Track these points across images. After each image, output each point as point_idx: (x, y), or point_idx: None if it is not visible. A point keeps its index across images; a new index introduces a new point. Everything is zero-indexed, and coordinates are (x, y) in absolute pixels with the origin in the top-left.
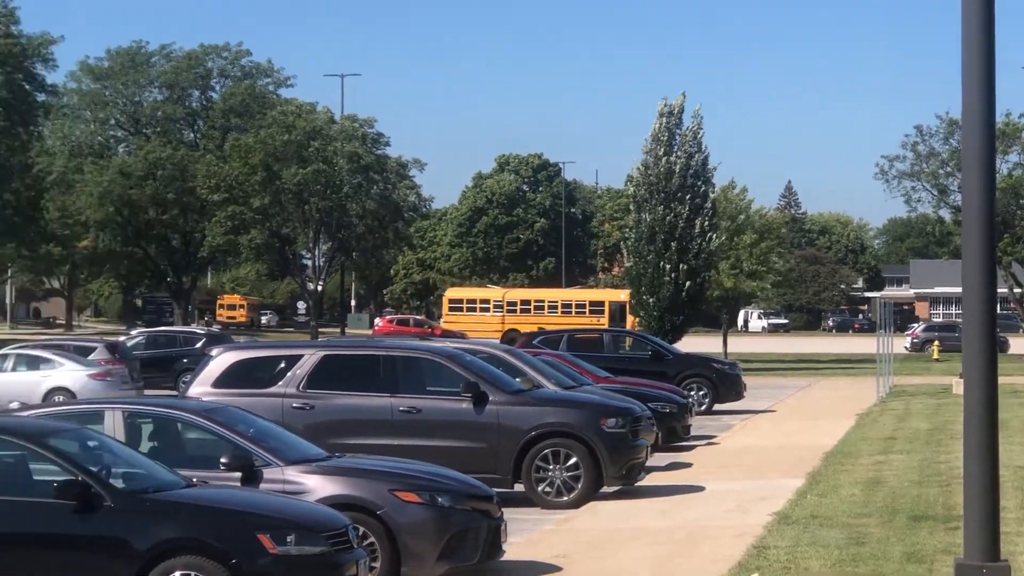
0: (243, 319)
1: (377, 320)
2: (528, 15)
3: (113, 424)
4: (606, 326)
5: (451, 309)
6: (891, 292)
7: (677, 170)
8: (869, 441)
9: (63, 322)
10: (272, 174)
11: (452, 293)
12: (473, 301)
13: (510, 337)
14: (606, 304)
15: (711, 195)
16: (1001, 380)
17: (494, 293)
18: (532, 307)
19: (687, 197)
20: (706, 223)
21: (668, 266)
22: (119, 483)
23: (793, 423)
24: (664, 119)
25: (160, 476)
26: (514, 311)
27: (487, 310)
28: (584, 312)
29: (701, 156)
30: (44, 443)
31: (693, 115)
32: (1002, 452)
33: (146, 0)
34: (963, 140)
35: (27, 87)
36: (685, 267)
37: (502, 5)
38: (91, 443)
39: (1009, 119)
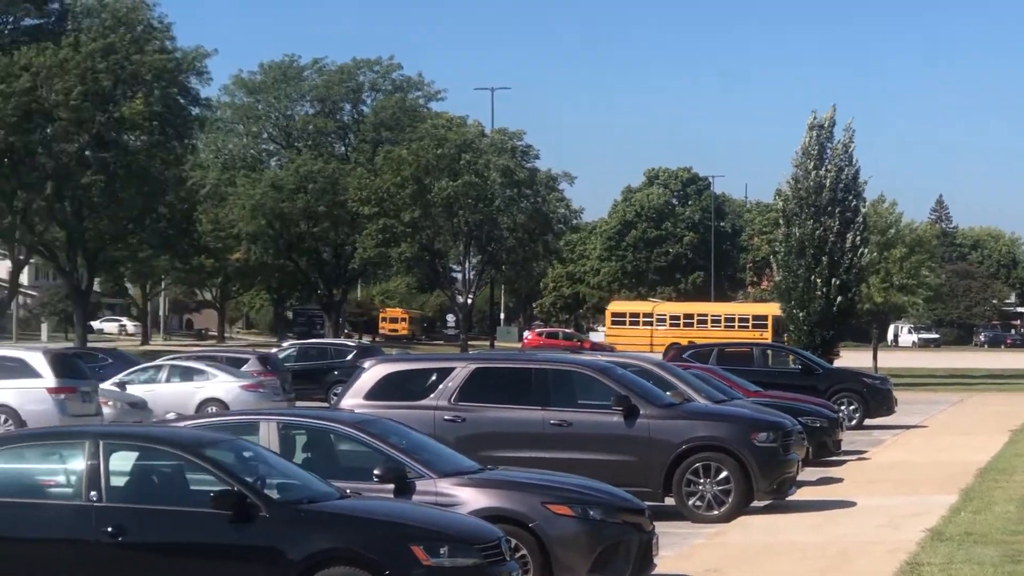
0: (405, 332)
1: (526, 333)
2: (676, 28)
3: (268, 435)
4: (770, 340)
5: (614, 322)
6: None
7: (827, 184)
8: None
9: (215, 334)
10: (423, 187)
11: (615, 306)
12: (636, 314)
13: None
14: (769, 318)
15: (862, 209)
16: None
17: (657, 306)
18: (695, 320)
19: (837, 211)
20: (857, 237)
21: (819, 280)
22: (274, 493)
23: (945, 438)
24: (814, 132)
25: (314, 487)
26: (677, 324)
27: (650, 323)
28: (747, 325)
29: (852, 170)
30: (201, 453)
31: (844, 128)
32: None
33: (299, 14)
34: None
35: (182, 101)
36: (836, 281)
37: (650, 19)
38: (247, 454)
39: None
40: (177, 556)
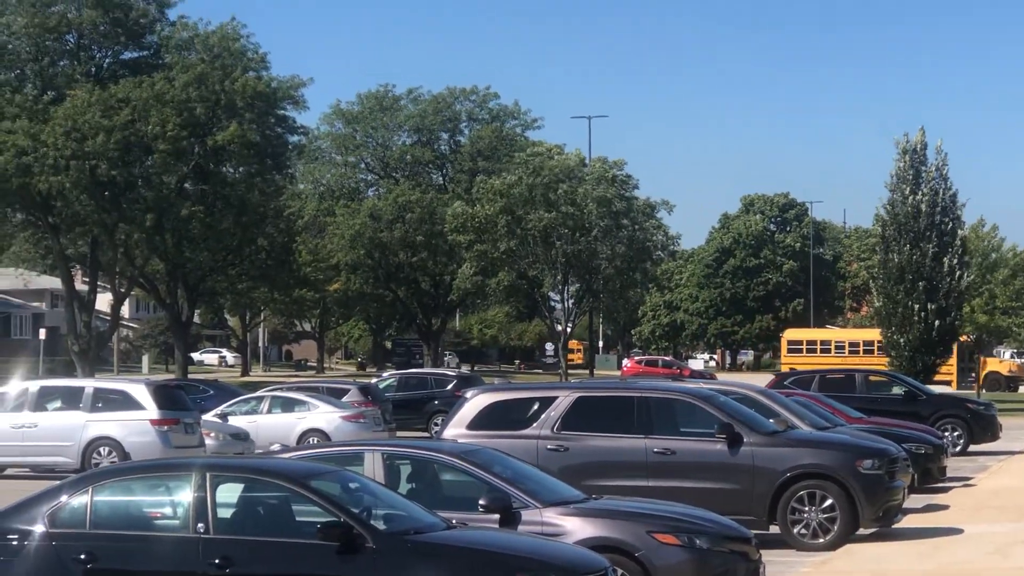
0: (579, 360)
1: (625, 361)
2: (771, 53)
3: (373, 466)
4: (954, 366)
5: (790, 351)
6: None
7: (923, 208)
8: None
9: (314, 364)
10: (517, 217)
11: (791, 334)
12: (813, 342)
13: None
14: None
15: (960, 232)
16: None
17: (834, 334)
18: (875, 348)
19: (935, 235)
20: (955, 261)
21: (917, 306)
22: (380, 524)
23: None
24: (907, 156)
25: (420, 517)
26: (856, 351)
27: (828, 351)
28: None
29: (948, 193)
30: (307, 485)
31: (936, 150)
32: None
33: (394, 42)
34: None
35: (279, 130)
36: (934, 306)
37: (743, 46)
38: (352, 484)
39: None
40: None
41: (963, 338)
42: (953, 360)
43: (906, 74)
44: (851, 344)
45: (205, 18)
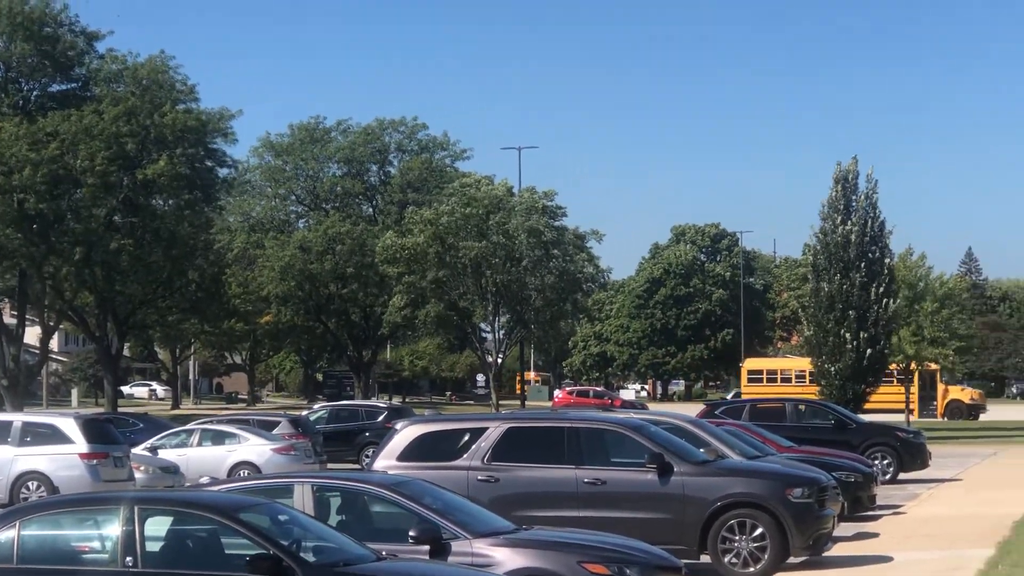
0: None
1: (557, 392)
2: (701, 82)
3: (302, 498)
4: (915, 394)
5: (749, 380)
6: None
7: (853, 238)
8: None
9: (245, 397)
10: (447, 247)
11: (751, 364)
12: (773, 371)
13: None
14: (915, 372)
15: (887, 261)
16: None
17: (792, 363)
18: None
19: (863, 264)
20: (882, 289)
21: (848, 334)
22: (310, 556)
23: (981, 492)
24: (839, 185)
25: (350, 549)
26: (803, 381)
27: (788, 380)
28: (891, 380)
29: (877, 222)
30: (236, 517)
31: (867, 178)
32: None
33: (323, 75)
34: None
35: (208, 163)
36: (864, 335)
37: (672, 75)
38: (282, 517)
39: None
40: None
41: (931, 367)
42: (914, 389)
43: (837, 104)
44: (811, 373)
45: (134, 50)
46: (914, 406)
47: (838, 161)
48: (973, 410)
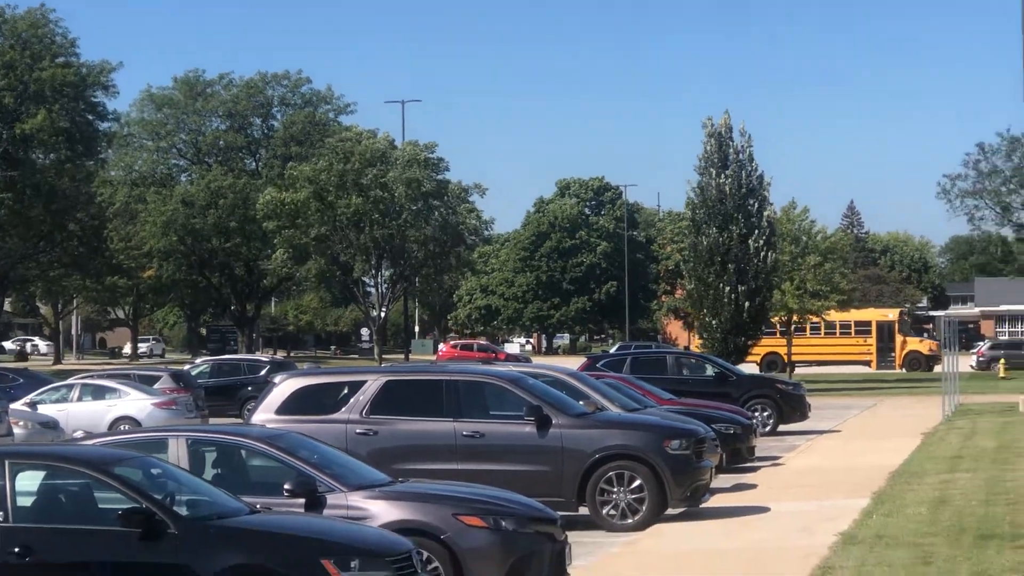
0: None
1: (441, 346)
2: (586, 40)
3: (177, 452)
4: (873, 346)
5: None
6: (956, 311)
7: (728, 191)
8: (935, 460)
9: (128, 352)
10: (327, 203)
11: None
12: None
13: (769, 360)
14: (873, 324)
15: (765, 213)
16: None
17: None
18: (791, 328)
19: (741, 217)
20: (761, 242)
21: (727, 287)
22: (183, 510)
23: (858, 443)
24: (713, 140)
25: (224, 503)
26: (772, 333)
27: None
28: (849, 332)
29: (756, 174)
30: (108, 471)
31: (740, 132)
32: None
33: (205, 27)
34: None
35: (89, 116)
36: (744, 288)
37: (561, 31)
38: (155, 471)
39: None
40: (86, 575)
41: (888, 317)
42: (872, 340)
43: (720, 59)
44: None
45: (12, 3)
46: (872, 357)
47: (709, 116)
48: (931, 361)
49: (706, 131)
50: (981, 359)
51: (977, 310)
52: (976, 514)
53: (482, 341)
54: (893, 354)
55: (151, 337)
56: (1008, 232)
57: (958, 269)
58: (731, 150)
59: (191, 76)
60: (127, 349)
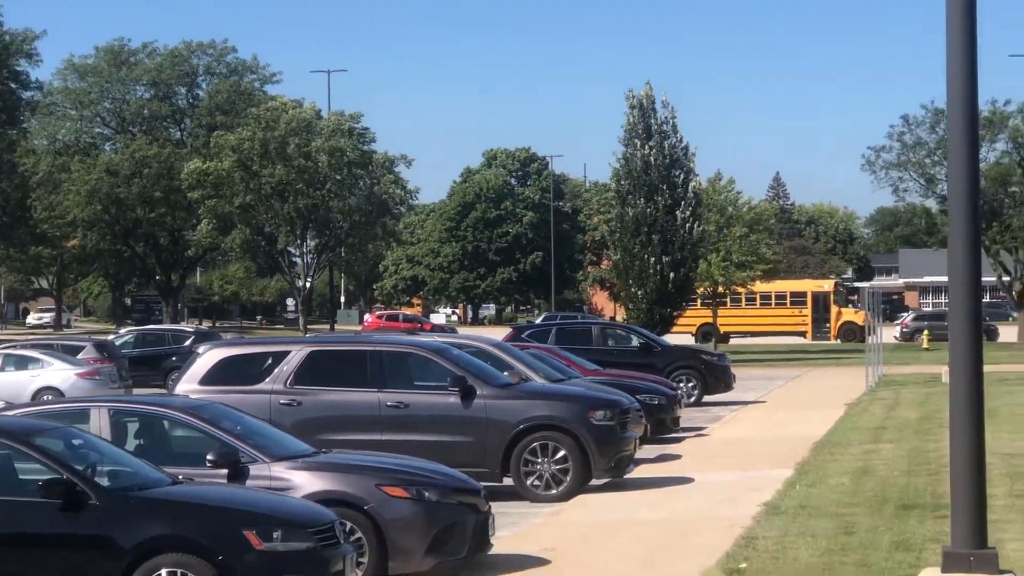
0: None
1: (367, 316)
2: (513, 11)
3: (99, 422)
4: (809, 317)
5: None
6: (881, 282)
7: (653, 161)
8: (858, 431)
9: (51, 322)
10: (251, 173)
11: None
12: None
13: (704, 331)
14: (808, 295)
15: (691, 184)
16: (989, 368)
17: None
18: (728, 300)
19: (666, 188)
20: (688, 213)
21: (652, 259)
22: (104, 481)
23: (782, 414)
24: (636, 111)
25: (146, 474)
26: (709, 304)
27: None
28: (784, 303)
29: (680, 145)
30: (29, 442)
31: (663, 103)
32: (989, 440)
33: None
34: (948, 129)
35: (12, 85)
36: (669, 259)
37: (485, 2)
38: (76, 442)
39: (996, 107)
40: (6, 546)
41: (824, 288)
42: (808, 311)
43: (646, 31)
44: (703, 297)
45: None
46: (808, 328)
47: (631, 88)
48: (866, 332)
49: (628, 103)
50: (905, 330)
51: (901, 281)
52: (898, 484)
53: (409, 312)
54: (828, 325)
55: (65, 307)
56: (932, 204)
57: (883, 241)
58: (654, 121)
59: (115, 45)
60: (32, 319)
